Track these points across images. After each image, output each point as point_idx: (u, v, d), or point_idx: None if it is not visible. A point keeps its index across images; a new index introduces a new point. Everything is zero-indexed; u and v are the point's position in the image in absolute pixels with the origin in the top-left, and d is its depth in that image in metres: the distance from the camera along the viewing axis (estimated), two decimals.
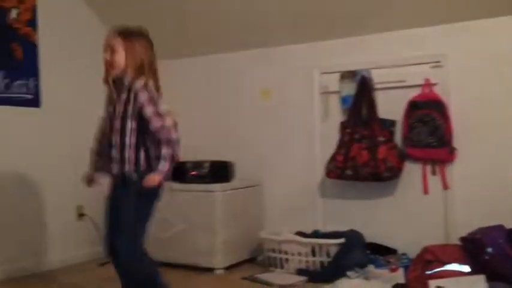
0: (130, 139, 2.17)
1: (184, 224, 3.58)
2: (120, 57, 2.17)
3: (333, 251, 3.29)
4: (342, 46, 3.60)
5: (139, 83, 2.18)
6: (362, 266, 3.19)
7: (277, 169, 3.88)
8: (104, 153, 2.32)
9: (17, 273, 3.39)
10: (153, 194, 2.28)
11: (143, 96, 2.16)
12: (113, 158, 2.23)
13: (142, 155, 2.22)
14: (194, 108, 4.19)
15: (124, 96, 2.20)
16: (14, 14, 3.50)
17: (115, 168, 2.24)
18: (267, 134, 3.91)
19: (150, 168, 2.21)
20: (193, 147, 4.05)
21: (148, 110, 2.17)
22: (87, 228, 3.85)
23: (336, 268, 3.22)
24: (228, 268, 3.54)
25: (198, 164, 3.70)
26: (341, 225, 3.49)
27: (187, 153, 3.94)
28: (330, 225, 3.60)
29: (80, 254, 3.81)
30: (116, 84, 2.24)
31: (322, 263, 3.32)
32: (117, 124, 2.20)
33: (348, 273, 3.17)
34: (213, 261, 3.49)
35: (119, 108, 2.21)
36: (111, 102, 2.28)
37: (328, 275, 3.19)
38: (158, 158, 2.19)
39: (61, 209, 3.72)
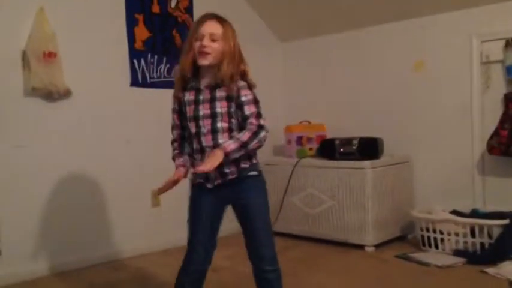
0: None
1: (333, 200, 3.61)
2: (220, 46, 1.93)
3: (496, 232, 3.07)
4: (505, 10, 3.28)
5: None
6: None
7: (428, 145, 3.71)
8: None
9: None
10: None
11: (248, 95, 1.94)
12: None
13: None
14: (341, 85, 4.17)
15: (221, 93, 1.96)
16: (173, 2, 3.79)
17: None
18: (418, 108, 3.75)
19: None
20: (340, 124, 4.07)
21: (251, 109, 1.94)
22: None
23: (499, 250, 3.02)
24: (378, 246, 3.50)
25: (346, 141, 3.68)
26: (504, 205, 3.24)
27: (335, 131, 3.99)
28: (491, 205, 3.36)
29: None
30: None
31: (482, 244, 3.12)
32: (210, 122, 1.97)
33: None
34: (363, 238, 3.48)
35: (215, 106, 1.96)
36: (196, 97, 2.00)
37: (490, 257, 3.01)
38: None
39: None
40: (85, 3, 3.32)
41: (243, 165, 1.95)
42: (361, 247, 3.48)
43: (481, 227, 3.13)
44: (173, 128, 2.10)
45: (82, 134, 3.31)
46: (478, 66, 3.41)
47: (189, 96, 1.97)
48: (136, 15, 3.59)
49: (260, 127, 1.91)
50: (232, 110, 1.93)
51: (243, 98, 1.92)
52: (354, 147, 3.62)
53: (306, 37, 4.37)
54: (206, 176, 1.96)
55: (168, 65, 3.77)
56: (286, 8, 4.18)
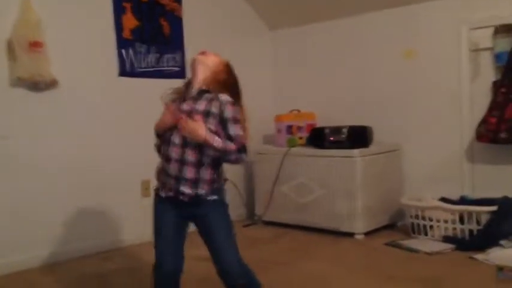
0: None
1: (323, 189, 3.62)
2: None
3: (484, 218, 3.10)
4: None
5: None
6: None
7: (418, 133, 3.72)
8: None
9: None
10: None
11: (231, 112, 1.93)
12: None
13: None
14: (331, 74, 4.16)
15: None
16: None
17: None
18: (407, 96, 3.75)
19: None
20: (330, 113, 4.07)
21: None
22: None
23: (488, 236, 3.05)
24: (367, 233, 3.52)
25: (336, 130, 3.68)
26: (492, 191, 3.26)
27: (325, 120, 3.99)
28: (479, 192, 3.39)
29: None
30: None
31: (471, 230, 3.15)
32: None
33: (502, 242, 3.00)
34: (353, 226, 3.49)
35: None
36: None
37: (479, 244, 3.04)
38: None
39: None
40: None
41: (200, 191, 1.91)
42: (351, 235, 3.50)
43: (470, 214, 3.16)
44: None
45: (69, 125, 3.27)
46: (467, 53, 3.42)
47: (174, 106, 1.98)
48: (124, 4, 3.54)
49: (244, 149, 1.92)
50: (212, 126, 1.90)
51: (227, 115, 1.90)
52: (344, 136, 3.63)
53: (295, 25, 4.35)
54: (164, 182, 1.95)
55: (156, 54, 3.73)
56: None
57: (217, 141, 1.86)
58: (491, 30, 3.27)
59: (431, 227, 3.32)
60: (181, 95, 2.01)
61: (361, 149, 3.53)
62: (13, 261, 2.98)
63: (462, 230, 3.19)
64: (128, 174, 3.54)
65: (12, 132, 3.03)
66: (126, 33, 3.56)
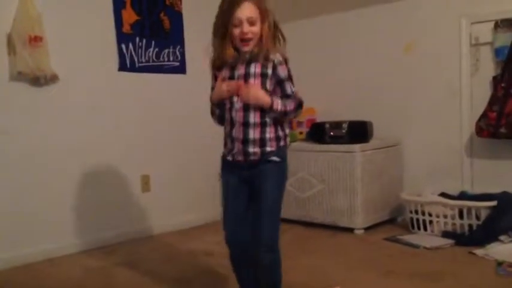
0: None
1: (323, 184, 3.62)
2: (258, 28, 1.93)
3: (484, 213, 3.10)
4: None
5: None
6: None
7: (418, 128, 3.72)
8: None
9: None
10: None
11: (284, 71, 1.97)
12: None
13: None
14: (330, 68, 4.15)
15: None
16: None
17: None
18: (407, 91, 3.74)
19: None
20: (330, 108, 4.06)
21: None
22: None
23: (487, 232, 3.05)
24: (367, 228, 3.52)
25: (336, 125, 3.67)
26: (492, 187, 3.26)
27: (325, 115, 3.98)
28: (479, 187, 3.38)
29: None
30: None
31: (470, 226, 3.15)
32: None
33: (501, 237, 3.00)
34: (353, 221, 3.50)
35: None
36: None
37: (478, 239, 3.04)
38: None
39: (206, 168, 3.89)
40: None
41: (268, 148, 1.95)
42: (351, 230, 3.50)
43: (469, 209, 3.16)
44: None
45: (70, 120, 3.27)
46: (468, 48, 3.40)
47: (224, 73, 1.97)
48: None
49: (301, 105, 1.97)
50: (267, 86, 1.93)
51: (282, 75, 1.95)
52: (344, 131, 3.63)
53: (293, 20, 4.31)
54: (231, 147, 1.97)
55: (156, 49, 3.72)
56: None
57: (278, 104, 1.90)
58: (491, 25, 3.25)
59: (430, 222, 3.32)
60: (224, 60, 1.95)
61: (360, 144, 3.53)
62: (15, 256, 3.00)
63: (462, 225, 3.19)
64: (127, 168, 3.55)
65: (12, 127, 3.03)
66: (126, 28, 3.55)
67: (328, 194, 3.61)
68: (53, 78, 3.14)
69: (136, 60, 3.62)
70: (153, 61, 3.71)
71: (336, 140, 3.64)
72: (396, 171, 3.78)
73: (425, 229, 3.34)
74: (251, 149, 1.94)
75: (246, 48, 1.92)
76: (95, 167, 3.39)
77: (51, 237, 3.18)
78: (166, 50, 3.78)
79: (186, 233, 3.69)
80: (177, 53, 3.84)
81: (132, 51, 3.60)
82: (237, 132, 1.95)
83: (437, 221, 3.29)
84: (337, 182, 3.55)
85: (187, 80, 3.89)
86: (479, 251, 2.91)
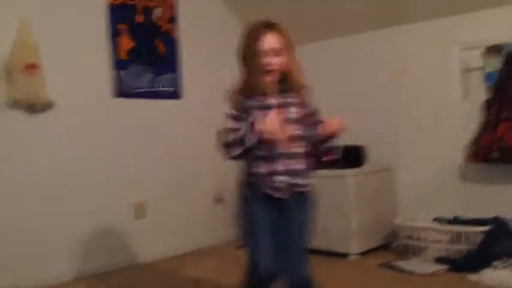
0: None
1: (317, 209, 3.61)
2: (283, 58, 1.94)
3: (477, 239, 3.09)
4: (484, 18, 3.31)
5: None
6: (510, 255, 2.97)
7: (410, 153, 3.73)
8: None
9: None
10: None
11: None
12: None
13: None
14: (323, 93, 4.17)
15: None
16: (157, 12, 3.80)
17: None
18: (399, 116, 3.77)
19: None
20: None
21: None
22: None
23: (481, 257, 3.03)
24: (362, 254, 3.51)
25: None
26: (485, 211, 3.26)
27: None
28: (472, 212, 3.37)
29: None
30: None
31: (464, 251, 3.14)
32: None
33: (495, 262, 2.98)
34: (348, 246, 3.49)
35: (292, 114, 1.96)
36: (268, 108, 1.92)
37: (472, 264, 3.01)
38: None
39: (201, 195, 3.91)
40: (68, 13, 3.33)
41: (308, 181, 1.96)
42: (345, 255, 3.49)
43: (463, 234, 3.15)
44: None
45: (65, 146, 3.31)
46: (458, 73, 3.45)
47: (257, 102, 1.90)
48: (120, 26, 3.59)
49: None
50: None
51: (319, 117, 2.05)
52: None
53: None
54: (270, 181, 1.90)
55: (152, 75, 3.77)
56: (270, 16, 4.18)
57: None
58: (482, 50, 3.30)
59: (425, 247, 3.31)
60: (257, 89, 1.90)
61: (354, 169, 3.54)
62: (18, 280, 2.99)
63: (456, 251, 3.18)
64: (122, 195, 3.56)
65: (9, 153, 3.06)
66: (123, 54, 3.61)
67: (322, 219, 3.56)
68: (49, 105, 3.18)
69: (132, 86, 3.66)
70: (149, 87, 3.75)
71: (330, 164, 3.64)
72: (389, 195, 3.78)
73: (419, 254, 3.32)
74: (299, 181, 1.93)
75: (271, 79, 1.92)
76: (90, 193, 3.40)
77: (43, 265, 3.17)
78: (161, 76, 3.83)
79: (182, 259, 3.68)
80: (173, 78, 3.89)
81: (129, 77, 3.64)
82: (282, 165, 1.90)
83: (432, 247, 3.27)
84: (330, 206, 3.53)
85: (183, 106, 3.93)
86: (473, 277, 2.89)
